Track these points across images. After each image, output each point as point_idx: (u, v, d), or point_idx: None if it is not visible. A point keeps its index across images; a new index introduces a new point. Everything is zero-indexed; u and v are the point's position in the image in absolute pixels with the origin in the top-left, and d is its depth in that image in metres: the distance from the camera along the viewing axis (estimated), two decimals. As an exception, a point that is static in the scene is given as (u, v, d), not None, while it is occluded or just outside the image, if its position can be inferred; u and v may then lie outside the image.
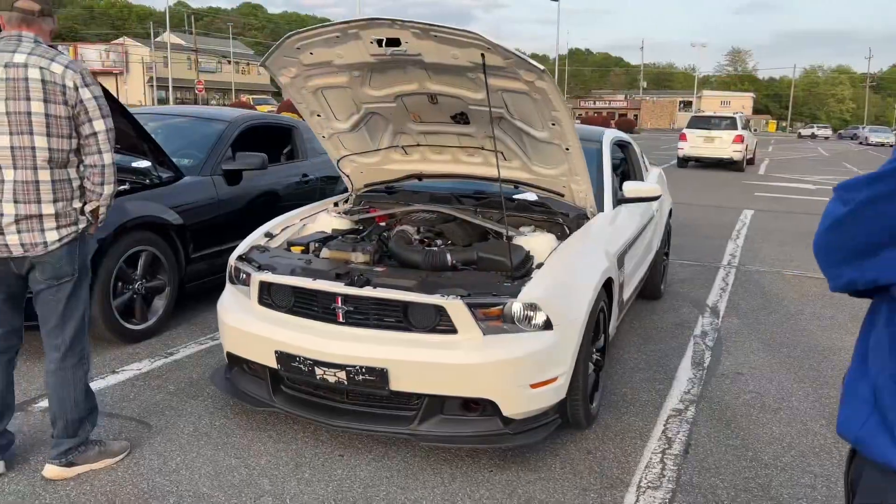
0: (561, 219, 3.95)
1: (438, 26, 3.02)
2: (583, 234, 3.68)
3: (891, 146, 46.45)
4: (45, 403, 3.59)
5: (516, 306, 3.02)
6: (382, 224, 3.98)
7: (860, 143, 51.25)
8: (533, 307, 3.03)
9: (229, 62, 73.28)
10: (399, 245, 3.52)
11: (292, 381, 3.30)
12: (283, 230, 3.96)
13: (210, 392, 3.82)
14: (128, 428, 3.39)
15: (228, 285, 3.65)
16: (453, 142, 4.00)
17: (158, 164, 4.90)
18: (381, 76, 3.60)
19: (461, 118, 3.77)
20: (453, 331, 3.02)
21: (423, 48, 3.20)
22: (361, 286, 3.08)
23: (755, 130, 30.48)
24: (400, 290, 3.04)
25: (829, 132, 70.11)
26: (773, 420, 3.73)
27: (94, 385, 3.88)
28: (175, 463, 3.09)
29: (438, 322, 3.03)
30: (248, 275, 3.39)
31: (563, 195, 4.00)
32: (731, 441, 3.47)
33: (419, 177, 4.38)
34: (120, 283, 4.43)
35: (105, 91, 4.35)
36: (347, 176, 4.45)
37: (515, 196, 4.27)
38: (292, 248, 3.68)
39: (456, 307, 2.98)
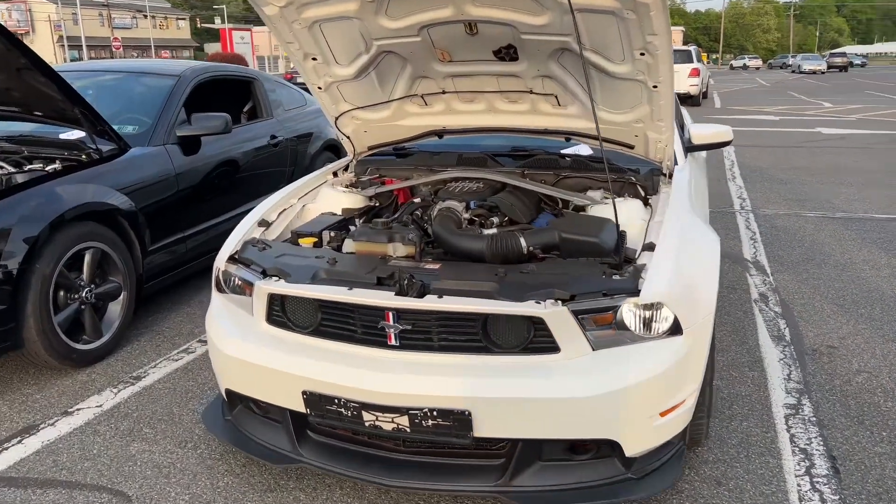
0: (633, 177, 3.12)
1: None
2: (677, 197, 2.84)
3: (822, 73, 47.05)
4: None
5: (637, 308, 2.20)
6: (417, 201, 3.05)
7: (793, 71, 51.71)
8: (657, 306, 2.21)
9: (145, 16, 68.92)
10: (448, 229, 2.63)
11: (324, 425, 2.42)
12: (279, 214, 3.01)
13: (201, 433, 2.91)
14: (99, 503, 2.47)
15: (216, 296, 2.71)
16: (491, 86, 3.09)
17: (96, 135, 3.84)
18: (402, 0, 2.65)
19: (507, 53, 2.86)
20: (554, 349, 2.18)
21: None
22: (421, 295, 2.19)
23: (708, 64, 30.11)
24: (477, 298, 2.17)
25: (759, 63, 70.92)
26: (907, 409, 3.05)
27: (42, 435, 2.92)
28: (174, 558, 2.20)
29: (532, 338, 2.18)
30: (250, 284, 2.46)
31: (633, 146, 3.15)
32: (878, 447, 2.76)
33: (439, 133, 3.46)
34: (62, 293, 3.42)
35: (22, 45, 3.27)
36: (347, 137, 3.49)
37: (565, 151, 3.41)
38: (301, 241, 2.75)
39: (558, 317, 2.14)
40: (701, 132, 3.62)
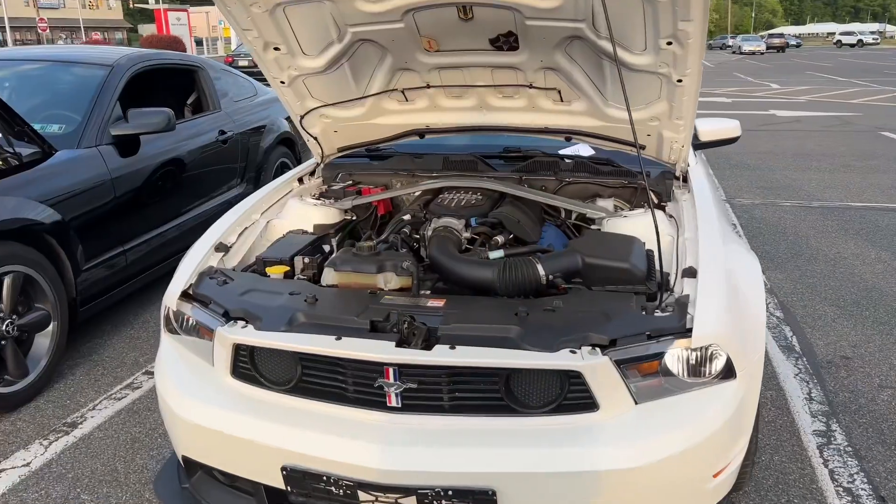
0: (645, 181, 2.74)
1: None
2: (704, 208, 2.48)
3: (762, 54, 47.94)
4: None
5: (689, 351, 1.83)
6: (406, 217, 2.60)
7: (734, 52, 52.47)
8: (708, 348, 1.85)
9: (73, -4, 65.70)
10: (449, 254, 2.20)
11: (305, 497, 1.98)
12: (240, 235, 2.53)
13: (152, 498, 2.44)
14: None
15: (167, 338, 2.23)
16: (484, 79, 2.67)
17: (13, 136, 3.28)
18: (384, -21, 2.21)
19: (506, 42, 2.44)
20: (591, 406, 1.79)
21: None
22: (428, 345, 1.78)
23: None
24: (499, 348, 1.76)
25: (700, 43, 71.85)
26: (944, 433, 2.78)
27: (-46, 511, 2.40)
28: None
29: (566, 394, 1.79)
30: (211, 330, 2.00)
31: (644, 147, 2.78)
32: (928, 483, 2.48)
33: (421, 133, 3.02)
34: (-24, 328, 2.89)
35: None
36: (315, 138, 3.03)
37: (563, 151, 3.03)
38: (269, 270, 2.28)
39: (599, 370, 1.75)
40: (707, 128, 3.29)
